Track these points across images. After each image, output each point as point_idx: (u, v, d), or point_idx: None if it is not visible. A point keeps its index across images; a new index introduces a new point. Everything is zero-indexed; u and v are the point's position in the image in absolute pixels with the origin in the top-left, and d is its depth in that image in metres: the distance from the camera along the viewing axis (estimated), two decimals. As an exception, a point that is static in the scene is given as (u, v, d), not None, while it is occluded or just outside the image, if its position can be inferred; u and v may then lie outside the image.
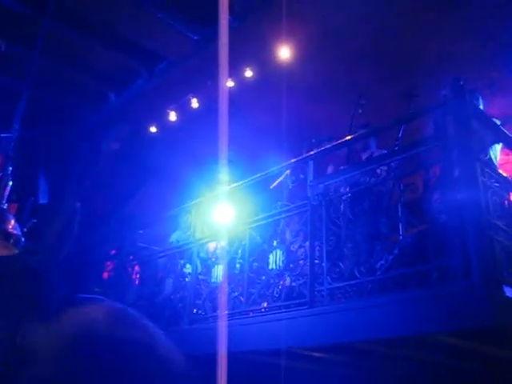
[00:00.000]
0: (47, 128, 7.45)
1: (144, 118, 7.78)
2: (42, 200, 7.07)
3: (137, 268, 6.63)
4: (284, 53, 6.28)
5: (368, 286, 3.87)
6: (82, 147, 8.14)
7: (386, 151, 4.82)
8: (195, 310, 5.18)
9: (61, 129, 7.92)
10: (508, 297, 3.34)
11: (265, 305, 4.63)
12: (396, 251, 3.87)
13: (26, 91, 4.23)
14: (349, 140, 5.06)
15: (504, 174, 4.11)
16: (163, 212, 7.10)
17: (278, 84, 6.44)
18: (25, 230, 3.63)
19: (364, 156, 5.63)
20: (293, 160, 4.93)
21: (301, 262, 4.42)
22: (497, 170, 4.06)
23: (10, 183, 3.63)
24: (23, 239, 3.58)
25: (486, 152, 3.98)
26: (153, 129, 7.86)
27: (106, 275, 7.17)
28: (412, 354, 4.39)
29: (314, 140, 5.78)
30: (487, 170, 3.79)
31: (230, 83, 6.68)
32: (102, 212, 8.88)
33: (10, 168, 3.70)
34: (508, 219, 3.81)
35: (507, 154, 5.23)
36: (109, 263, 7.21)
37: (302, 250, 4.44)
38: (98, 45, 6.78)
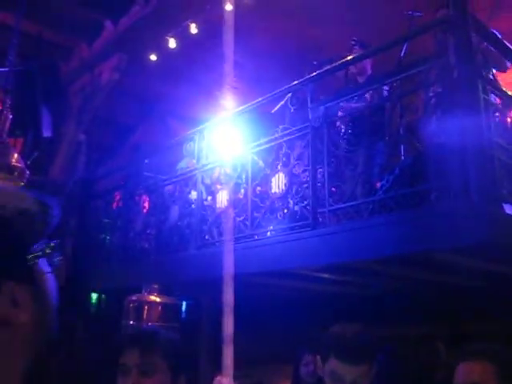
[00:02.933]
0: (43, 61, 7.34)
1: (143, 47, 7.62)
2: (46, 133, 7.07)
3: (145, 198, 6.71)
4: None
5: (369, 206, 3.93)
6: (81, 79, 8.05)
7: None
8: (204, 236, 5.28)
9: (57, 62, 7.80)
10: (507, 214, 3.38)
11: (269, 228, 4.72)
12: (397, 171, 3.90)
13: (18, 23, 4.14)
14: (349, 60, 4.95)
15: (509, 92, 4.05)
16: (168, 140, 7.11)
17: (278, 6, 6.25)
18: (28, 162, 3.68)
19: (361, 80, 5.53)
20: (294, 82, 4.85)
21: (305, 186, 4.44)
22: (500, 88, 3.99)
23: (10, 117, 3.63)
24: (28, 172, 3.64)
25: (489, 69, 3.91)
26: (153, 57, 7.72)
27: (114, 205, 7.28)
28: (411, 273, 4.51)
29: (315, 62, 5.66)
30: (489, 87, 3.73)
31: (229, 6, 6.47)
32: (108, 144, 8.91)
33: (9, 102, 3.69)
34: (510, 137, 3.79)
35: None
36: (117, 194, 7.31)
37: (307, 173, 4.45)
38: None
